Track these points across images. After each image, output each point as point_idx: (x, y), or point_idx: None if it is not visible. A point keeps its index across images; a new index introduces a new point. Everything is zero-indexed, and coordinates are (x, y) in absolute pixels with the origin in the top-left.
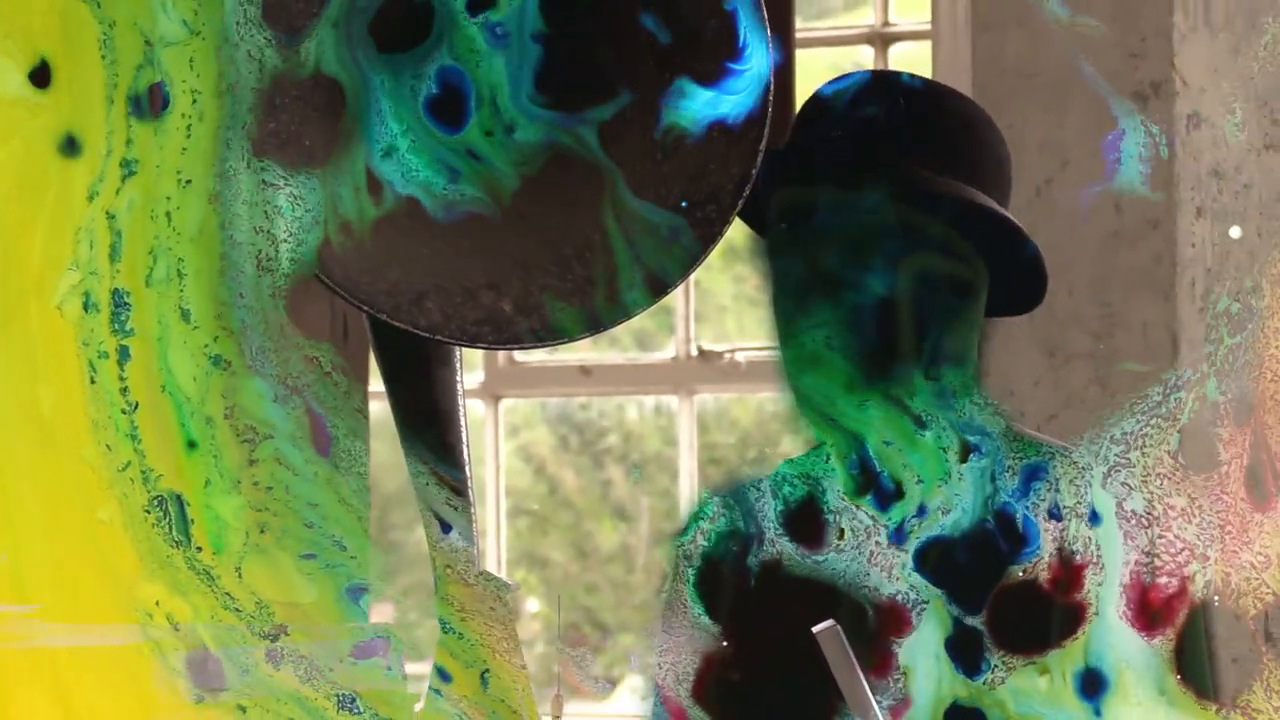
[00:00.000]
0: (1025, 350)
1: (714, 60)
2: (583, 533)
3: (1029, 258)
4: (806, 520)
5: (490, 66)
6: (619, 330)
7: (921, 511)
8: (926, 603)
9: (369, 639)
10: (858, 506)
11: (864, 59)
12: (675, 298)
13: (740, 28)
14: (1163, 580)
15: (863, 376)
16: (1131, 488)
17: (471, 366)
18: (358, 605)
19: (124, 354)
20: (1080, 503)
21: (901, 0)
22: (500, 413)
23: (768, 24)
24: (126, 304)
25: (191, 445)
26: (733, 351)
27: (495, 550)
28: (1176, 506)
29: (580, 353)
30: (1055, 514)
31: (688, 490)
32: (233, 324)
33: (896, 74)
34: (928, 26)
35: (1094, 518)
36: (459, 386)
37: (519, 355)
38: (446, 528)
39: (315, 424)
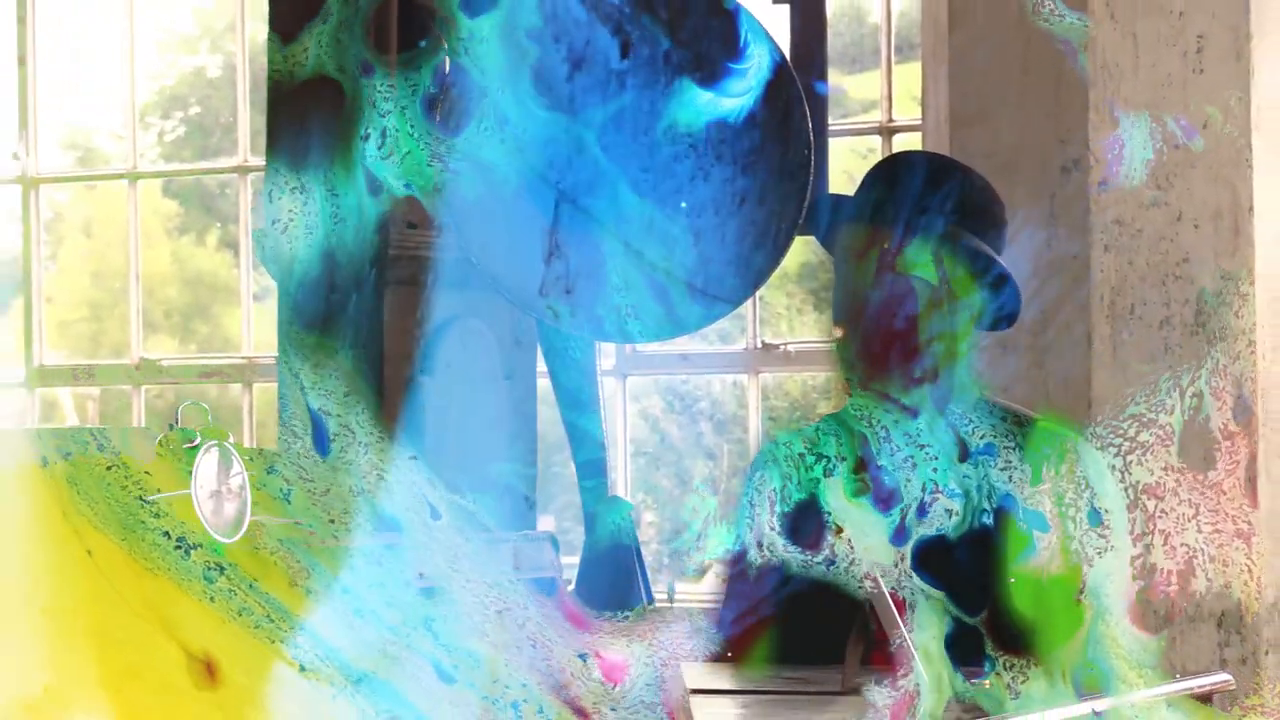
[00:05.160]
0: (983, 343)
1: (714, 60)
2: (683, 468)
3: (1011, 293)
4: (805, 521)
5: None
6: (707, 330)
7: (921, 511)
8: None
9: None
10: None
11: (875, 144)
12: (746, 307)
13: (741, 28)
14: (1161, 580)
15: (866, 379)
16: (1129, 485)
17: (607, 354)
18: None
19: None
20: (1076, 484)
21: (900, 103)
22: (627, 386)
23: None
24: None
25: None
26: (785, 344)
27: (623, 480)
28: (1176, 506)
29: (681, 345)
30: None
31: (755, 439)
32: None
33: (939, 157)
34: (919, 122)
35: (1094, 515)
36: (597, 368)
37: (639, 346)
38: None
39: None
